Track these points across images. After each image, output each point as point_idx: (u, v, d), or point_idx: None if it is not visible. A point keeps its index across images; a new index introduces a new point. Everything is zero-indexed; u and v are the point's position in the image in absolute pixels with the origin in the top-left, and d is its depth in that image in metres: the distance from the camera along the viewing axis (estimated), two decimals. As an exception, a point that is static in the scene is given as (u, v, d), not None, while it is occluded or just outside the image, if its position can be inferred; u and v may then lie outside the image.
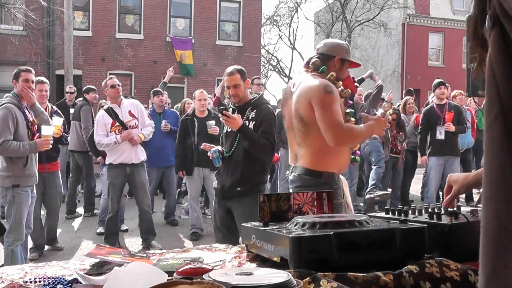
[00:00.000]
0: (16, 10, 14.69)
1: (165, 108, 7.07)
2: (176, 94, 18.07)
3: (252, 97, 3.61)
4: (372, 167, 7.32)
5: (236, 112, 3.55)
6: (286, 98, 2.95)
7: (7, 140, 3.85)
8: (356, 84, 3.09)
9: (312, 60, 2.85)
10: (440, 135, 6.48)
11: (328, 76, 2.79)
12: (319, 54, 2.88)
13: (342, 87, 2.82)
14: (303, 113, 2.70)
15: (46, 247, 5.38)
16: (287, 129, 2.96)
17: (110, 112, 5.27)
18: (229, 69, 3.60)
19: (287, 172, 2.95)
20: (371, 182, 7.25)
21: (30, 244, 4.91)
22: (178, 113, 7.52)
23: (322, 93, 2.61)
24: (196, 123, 5.89)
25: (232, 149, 3.50)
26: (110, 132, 5.22)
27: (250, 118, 3.49)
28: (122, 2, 17.79)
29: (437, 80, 6.84)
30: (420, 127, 6.98)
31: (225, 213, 3.58)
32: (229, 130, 3.56)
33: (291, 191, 2.76)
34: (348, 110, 2.83)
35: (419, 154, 8.32)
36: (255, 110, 3.50)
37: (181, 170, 6.11)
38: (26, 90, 4.08)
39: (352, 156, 2.96)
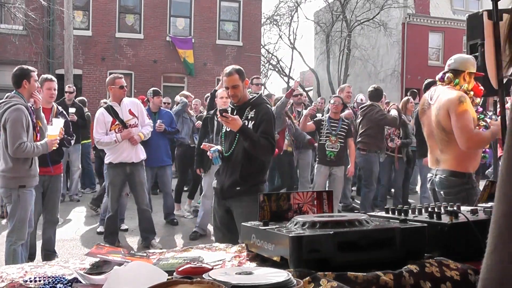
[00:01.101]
0: (16, 10, 14.68)
1: (161, 108, 7.05)
2: (176, 94, 18.01)
3: (251, 97, 3.59)
4: (363, 187, 7.21)
5: (235, 112, 3.54)
6: (424, 109, 3.50)
7: (23, 142, 3.85)
8: (480, 88, 3.46)
9: (447, 75, 3.39)
10: None
11: (462, 87, 3.30)
12: (451, 69, 3.39)
13: (473, 97, 3.34)
14: (444, 123, 3.21)
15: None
16: (427, 137, 3.48)
17: (110, 110, 5.23)
18: (228, 69, 3.57)
19: (429, 174, 3.52)
20: (360, 206, 7.16)
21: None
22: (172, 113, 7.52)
23: (457, 103, 3.13)
24: (216, 122, 5.89)
25: (231, 149, 3.49)
26: (110, 130, 5.18)
27: (249, 117, 3.48)
28: (122, 2, 17.77)
29: (429, 80, 6.78)
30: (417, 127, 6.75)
31: (224, 213, 3.58)
32: (228, 129, 3.55)
33: (438, 190, 3.32)
34: (478, 116, 3.33)
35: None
36: (254, 110, 3.49)
37: (200, 168, 6.10)
38: (37, 94, 4.11)
39: (483, 154, 3.48)
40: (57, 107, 4.89)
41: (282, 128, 6.81)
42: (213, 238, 6.05)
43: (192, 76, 17.88)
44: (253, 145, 3.37)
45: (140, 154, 5.36)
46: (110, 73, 17.24)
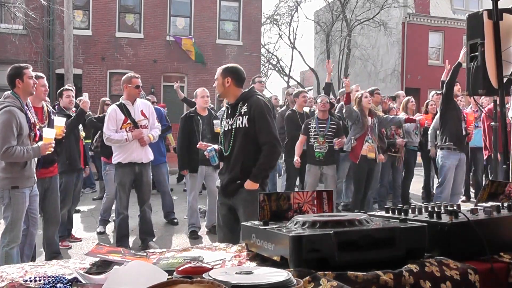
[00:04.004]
0: (16, 9, 14.68)
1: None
2: (175, 93, 18.05)
3: (242, 92, 3.56)
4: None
5: (229, 110, 3.56)
6: None
7: (11, 147, 3.75)
8: None
9: None
10: (464, 130, 6.45)
11: None
12: None
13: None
14: None
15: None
16: None
17: (123, 108, 5.19)
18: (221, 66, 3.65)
19: None
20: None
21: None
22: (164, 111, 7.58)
23: None
24: (201, 122, 5.90)
25: (230, 148, 3.50)
26: (121, 129, 5.13)
27: (242, 112, 3.44)
28: (122, 1, 17.77)
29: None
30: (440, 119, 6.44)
31: (227, 211, 3.58)
32: (226, 129, 3.55)
33: None
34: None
35: (418, 153, 8.30)
36: (246, 104, 3.46)
37: (185, 169, 6.07)
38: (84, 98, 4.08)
39: None
40: (47, 107, 4.80)
41: (362, 133, 6.50)
42: (208, 237, 6.05)
43: (204, 64, 17.78)
44: (269, 168, 3.51)
45: (149, 154, 5.35)
46: (110, 73, 17.36)
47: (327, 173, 6.47)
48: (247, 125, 3.40)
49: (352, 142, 6.50)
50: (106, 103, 8.21)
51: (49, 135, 4.03)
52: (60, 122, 4.39)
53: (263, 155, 3.40)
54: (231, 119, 3.49)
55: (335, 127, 6.45)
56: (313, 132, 6.43)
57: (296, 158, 6.42)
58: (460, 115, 6.40)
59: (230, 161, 3.49)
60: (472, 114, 6.91)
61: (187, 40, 17.79)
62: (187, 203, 6.21)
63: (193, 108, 6.18)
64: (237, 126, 3.43)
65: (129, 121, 5.16)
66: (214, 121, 5.81)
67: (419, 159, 8.33)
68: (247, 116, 3.41)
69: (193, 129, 5.91)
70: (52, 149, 4.08)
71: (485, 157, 7.56)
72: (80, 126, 6.00)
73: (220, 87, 3.54)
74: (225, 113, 3.64)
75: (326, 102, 6.54)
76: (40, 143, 3.99)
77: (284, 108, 8.03)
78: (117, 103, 5.33)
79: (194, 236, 6.00)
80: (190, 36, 18.05)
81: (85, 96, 5.90)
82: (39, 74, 4.69)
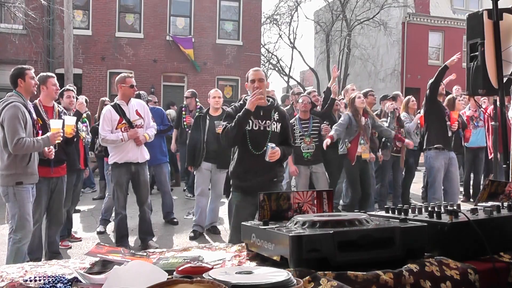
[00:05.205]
0: (16, 9, 14.67)
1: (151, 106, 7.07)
2: (176, 93, 18.07)
3: (272, 100, 3.90)
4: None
5: (261, 112, 3.74)
6: None
7: (21, 138, 3.84)
8: None
9: None
10: (450, 131, 6.46)
11: None
12: None
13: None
14: None
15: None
16: None
17: (118, 108, 5.20)
18: (254, 68, 3.93)
19: None
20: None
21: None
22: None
23: None
24: (208, 121, 6.01)
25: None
26: (116, 129, 5.14)
27: (276, 119, 3.80)
28: (122, 1, 17.76)
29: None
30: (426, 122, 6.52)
31: (254, 210, 3.58)
32: (255, 128, 3.69)
33: None
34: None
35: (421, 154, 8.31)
36: (277, 112, 3.85)
37: (191, 165, 6.21)
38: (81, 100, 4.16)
39: None
40: (58, 107, 4.85)
41: (355, 135, 6.42)
42: (208, 237, 6.06)
43: (198, 71, 17.81)
44: (284, 156, 3.85)
45: (145, 154, 5.36)
46: (110, 73, 17.35)
47: (317, 172, 6.48)
48: (279, 131, 3.80)
49: (346, 145, 6.45)
50: (106, 103, 8.18)
51: (56, 125, 4.15)
52: (70, 121, 4.46)
53: (288, 148, 3.90)
54: (263, 121, 3.75)
55: (318, 125, 6.49)
56: (298, 133, 6.44)
57: (294, 168, 6.43)
58: (444, 115, 6.41)
59: (265, 161, 3.65)
60: (456, 113, 6.89)
61: (189, 51, 17.77)
62: (196, 200, 6.28)
63: (206, 109, 6.36)
64: (273, 130, 3.77)
65: (124, 121, 5.17)
66: (215, 122, 5.84)
67: (421, 159, 8.33)
68: (280, 123, 3.82)
69: (199, 128, 6.06)
70: (61, 138, 4.18)
71: (489, 156, 7.58)
72: (81, 127, 6.03)
73: (265, 89, 3.85)
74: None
75: (308, 102, 6.56)
76: (48, 133, 4.08)
77: (288, 107, 8.01)
78: (112, 103, 5.36)
79: (194, 236, 6.00)
80: (190, 37, 18.04)
81: (81, 98, 5.98)
82: (50, 74, 4.77)
